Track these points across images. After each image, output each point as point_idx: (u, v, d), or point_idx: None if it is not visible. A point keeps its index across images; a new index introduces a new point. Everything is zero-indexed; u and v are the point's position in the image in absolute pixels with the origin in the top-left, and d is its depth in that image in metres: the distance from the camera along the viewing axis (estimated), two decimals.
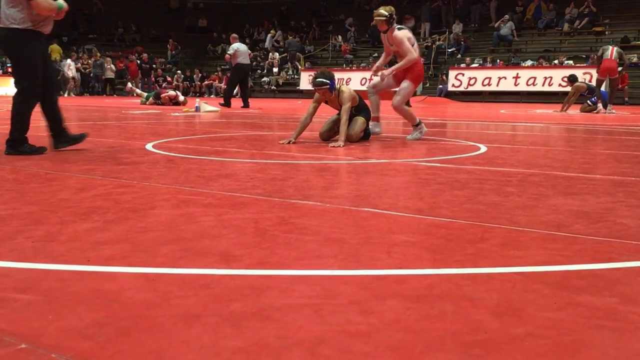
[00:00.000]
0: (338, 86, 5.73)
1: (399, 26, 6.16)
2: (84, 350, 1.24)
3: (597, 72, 13.29)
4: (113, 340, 1.30)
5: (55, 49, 25.75)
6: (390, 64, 6.99)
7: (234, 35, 14.62)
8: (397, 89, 6.22)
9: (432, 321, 1.42)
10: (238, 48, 13.78)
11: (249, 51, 14.41)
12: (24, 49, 4.35)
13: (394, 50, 6.15)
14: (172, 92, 15.01)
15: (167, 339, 1.31)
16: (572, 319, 1.44)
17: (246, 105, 14.08)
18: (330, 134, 5.92)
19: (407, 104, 15.66)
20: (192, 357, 1.22)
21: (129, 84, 21.31)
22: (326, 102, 5.86)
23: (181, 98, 14.93)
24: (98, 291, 1.60)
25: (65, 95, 23.04)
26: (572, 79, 13.95)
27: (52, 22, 4.50)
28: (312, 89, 5.84)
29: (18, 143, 4.45)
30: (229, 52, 13.90)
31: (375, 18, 6.13)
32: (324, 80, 5.61)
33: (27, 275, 1.72)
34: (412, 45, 6.03)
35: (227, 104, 13.97)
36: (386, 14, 6.05)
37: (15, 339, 1.29)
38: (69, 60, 23.48)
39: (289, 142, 5.57)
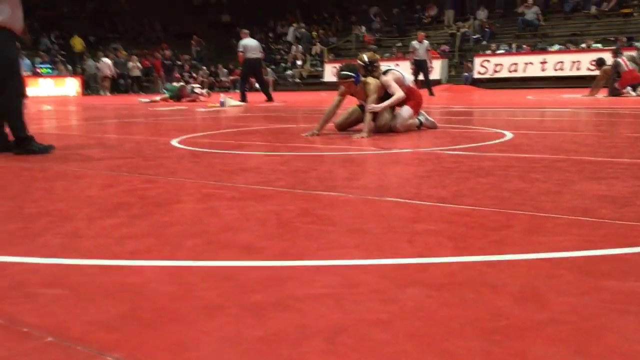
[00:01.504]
0: (364, 78, 5.70)
1: (385, 69, 5.88)
2: (109, 342, 1.27)
3: (617, 85, 12.88)
4: (137, 332, 1.33)
5: (77, 42, 26.11)
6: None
7: (245, 30, 14.54)
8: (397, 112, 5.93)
9: (452, 308, 1.42)
10: (246, 44, 13.79)
11: (259, 46, 14.28)
12: (5, 47, 4.27)
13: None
14: (194, 93, 15.12)
15: (190, 330, 1.33)
16: (595, 304, 1.42)
17: (269, 98, 14.12)
18: (345, 125, 5.96)
19: (430, 92, 15.48)
20: (214, 348, 1.24)
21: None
22: (351, 94, 5.85)
23: (204, 92, 15.13)
24: (123, 285, 1.63)
25: (101, 93, 23.25)
26: (600, 63, 13.68)
27: (22, 21, 4.41)
28: (337, 81, 5.79)
29: (25, 142, 4.42)
30: (239, 50, 13.89)
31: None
32: (349, 73, 5.61)
33: (55, 271, 1.76)
34: (404, 82, 5.82)
35: (242, 98, 13.90)
36: (366, 59, 5.81)
37: (42, 333, 1.32)
38: (106, 60, 23.65)
39: (312, 134, 5.58)
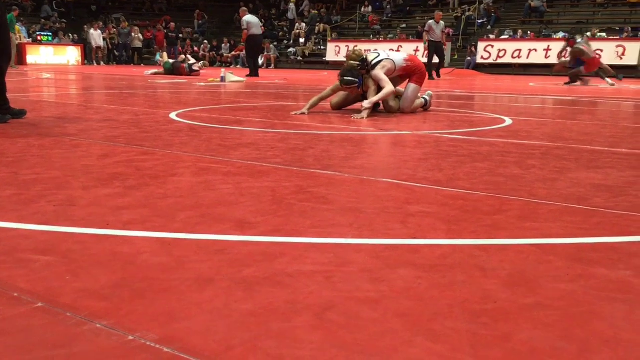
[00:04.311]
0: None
1: (374, 60, 5.70)
2: (98, 310, 1.28)
3: (584, 70, 12.78)
4: (127, 301, 1.33)
5: None
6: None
7: (244, 8, 14.56)
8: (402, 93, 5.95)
9: (442, 290, 1.43)
10: (250, 20, 13.82)
11: (259, 22, 14.40)
12: None
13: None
14: (194, 71, 14.78)
15: (180, 301, 1.34)
16: (583, 290, 1.43)
17: (254, 74, 14.22)
18: (342, 105, 6.06)
19: (438, 75, 15.00)
20: (203, 319, 1.25)
21: (159, 57, 20.47)
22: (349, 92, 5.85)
23: (200, 65, 14.96)
24: (115, 254, 1.63)
25: (95, 64, 23.27)
26: (572, 34, 13.48)
27: None
28: (341, 86, 5.69)
29: None
30: (243, 27, 13.85)
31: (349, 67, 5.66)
32: (353, 78, 5.57)
33: (48, 238, 1.76)
34: (396, 65, 5.76)
35: (254, 74, 14.05)
36: (357, 63, 5.63)
37: (33, 298, 1.33)
38: (92, 31, 23.60)
39: (301, 113, 5.57)
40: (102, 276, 1.47)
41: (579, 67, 12.73)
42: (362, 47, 22.89)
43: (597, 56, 13.16)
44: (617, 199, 2.38)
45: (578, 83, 12.92)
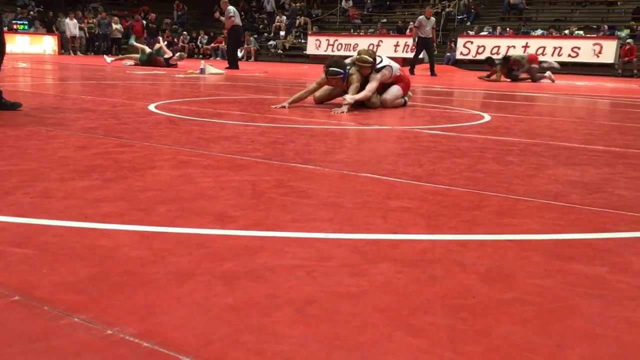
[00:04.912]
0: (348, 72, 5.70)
1: (380, 65, 5.77)
2: (76, 304, 1.26)
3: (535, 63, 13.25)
4: (106, 294, 1.32)
5: None
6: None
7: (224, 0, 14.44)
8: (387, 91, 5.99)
9: (421, 285, 1.44)
10: (235, 10, 13.90)
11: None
12: None
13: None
14: (171, 66, 14.38)
15: (159, 295, 1.33)
16: (560, 286, 1.45)
17: (234, 67, 14.20)
18: (324, 99, 6.06)
19: (432, 72, 14.92)
20: (182, 313, 1.24)
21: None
22: (333, 86, 5.86)
23: (176, 57, 14.71)
24: (93, 247, 1.61)
25: (72, 54, 22.93)
26: (490, 62, 13.64)
27: None
28: (325, 77, 5.72)
29: None
30: (231, 15, 13.77)
31: (359, 63, 5.68)
32: (338, 69, 5.58)
33: (24, 230, 1.74)
34: (393, 72, 5.86)
35: (234, 66, 14.03)
36: (370, 59, 5.65)
37: (9, 291, 1.31)
38: (67, 20, 23.21)
39: (281, 107, 5.57)
40: (80, 269, 1.45)
41: (530, 66, 13.02)
42: (341, 40, 22.93)
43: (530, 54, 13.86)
44: (593, 195, 2.41)
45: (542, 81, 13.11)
